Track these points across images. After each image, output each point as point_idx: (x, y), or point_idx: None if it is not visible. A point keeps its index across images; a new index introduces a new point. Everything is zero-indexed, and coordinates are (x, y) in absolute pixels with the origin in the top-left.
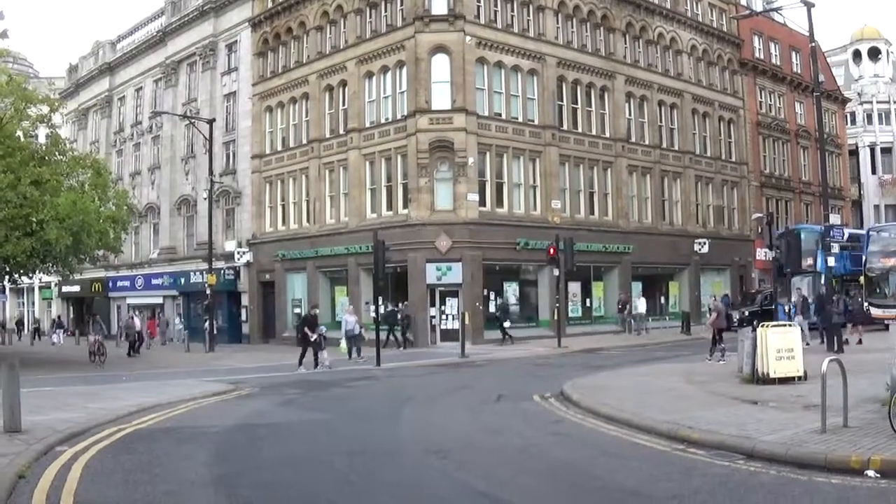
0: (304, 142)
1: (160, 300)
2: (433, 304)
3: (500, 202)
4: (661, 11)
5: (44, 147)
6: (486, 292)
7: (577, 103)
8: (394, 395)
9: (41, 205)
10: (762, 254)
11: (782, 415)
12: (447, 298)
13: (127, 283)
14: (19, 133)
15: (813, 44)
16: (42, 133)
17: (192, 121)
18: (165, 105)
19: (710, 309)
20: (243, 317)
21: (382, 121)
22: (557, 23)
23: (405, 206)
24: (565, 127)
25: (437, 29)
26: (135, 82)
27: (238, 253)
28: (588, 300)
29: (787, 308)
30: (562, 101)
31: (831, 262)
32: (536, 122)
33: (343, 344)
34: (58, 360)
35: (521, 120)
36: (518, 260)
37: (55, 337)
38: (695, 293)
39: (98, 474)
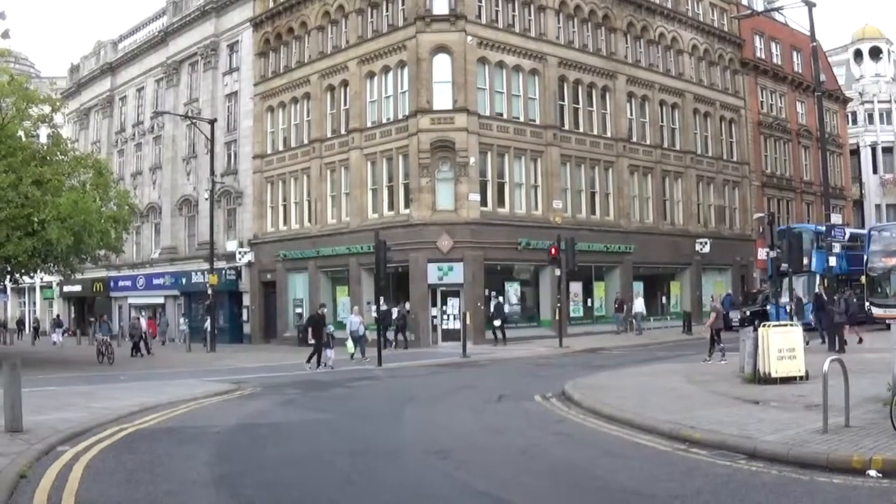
0: (306, 142)
1: (161, 300)
2: (434, 304)
3: (501, 202)
4: (662, 11)
5: (45, 147)
6: (487, 292)
7: (578, 103)
8: (395, 395)
9: (43, 205)
10: (764, 254)
11: (784, 415)
12: (448, 298)
13: (128, 283)
14: (21, 133)
15: (814, 43)
16: (43, 133)
17: (194, 121)
18: (167, 105)
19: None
20: (244, 317)
21: (384, 121)
22: (559, 23)
23: (406, 206)
24: (566, 127)
25: (438, 29)
26: (136, 82)
27: (239, 253)
28: (589, 300)
29: (788, 308)
30: (563, 101)
31: (833, 261)
32: (538, 122)
33: (349, 344)
34: (58, 360)
35: (522, 120)
36: (519, 260)
37: (55, 336)
38: (696, 293)
39: (99, 474)
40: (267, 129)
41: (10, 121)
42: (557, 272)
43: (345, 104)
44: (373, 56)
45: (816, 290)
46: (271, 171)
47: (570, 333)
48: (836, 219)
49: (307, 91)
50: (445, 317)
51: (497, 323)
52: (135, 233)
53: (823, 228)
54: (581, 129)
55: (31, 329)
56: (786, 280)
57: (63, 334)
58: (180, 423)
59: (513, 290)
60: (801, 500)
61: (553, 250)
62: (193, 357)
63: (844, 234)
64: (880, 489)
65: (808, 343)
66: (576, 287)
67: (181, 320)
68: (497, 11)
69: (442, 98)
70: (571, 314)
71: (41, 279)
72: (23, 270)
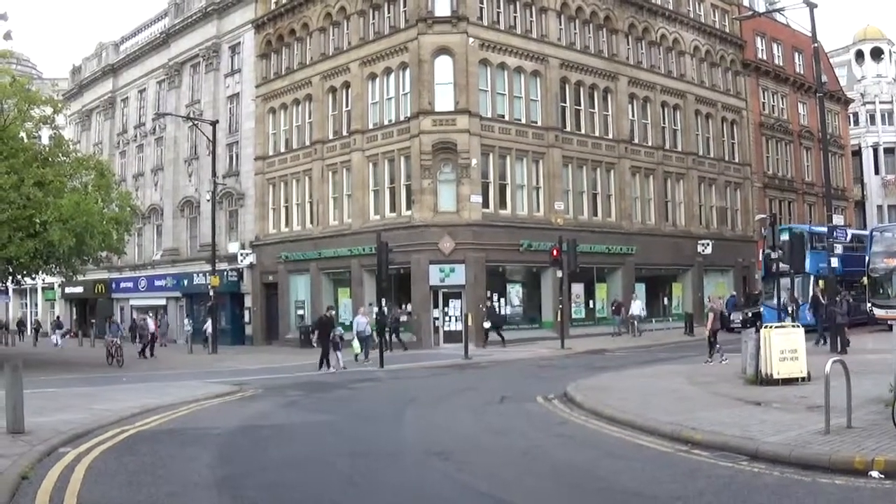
0: (308, 143)
1: (163, 301)
2: (436, 306)
3: (503, 204)
4: (663, 13)
5: (47, 148)
6: (489, 294)
7: (580, 105)
8: (397, 396)
9: (44, 206)
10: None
11: (786, 416)
12: (450, 300)
13: (130, 285)
14: (23, 134)
15: (815, 44)
16: (45, 134)
17: (196, 122)
18: (169, 106)
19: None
20: (246, 318)
21: (385, 122)
22: (560, 24)
23: (408, 207)
24: (568, 128)
25: (440, 31)
26: (138, 84)
27: (241, 254)
28: (591, 302)
29: (790, 308)
30: (565, 102)
31: (834, 262)
32: (539, 124)
33: (356, 344)
34: (59, 362)
35: (524, 121)
36: (521, 261)
37: (55, 338)
38: (698, 294)
39: (101, 475)
40: (269, 131)
41: (12, 122)
42: (559, 274)
43: (346, 106)
44: (374, 58)
45: (812, 291)
46: (273, 173)
47: (572, 335)
48: (837, 220)
49: (309, 93)
50: (447, 318)
51: (487, 325)
52: (136, 234)
53: (818, 229)
54: (583, 131)
55: (33, 330)
56: (781, 281)
57: (64, 336)
58: (182, 424)
59: (514, 291)
60: (804, 501)
61: (555, 252)
62: (195, 359)
63: (847, 234)
64: (882, 490)
65: (817, 343)
66: (577, 289)
67: (185, 322)
68: (499, 13)
69: (444, 100)
70: (573, 316)
71: (43, 280)
72: (24, 272)
